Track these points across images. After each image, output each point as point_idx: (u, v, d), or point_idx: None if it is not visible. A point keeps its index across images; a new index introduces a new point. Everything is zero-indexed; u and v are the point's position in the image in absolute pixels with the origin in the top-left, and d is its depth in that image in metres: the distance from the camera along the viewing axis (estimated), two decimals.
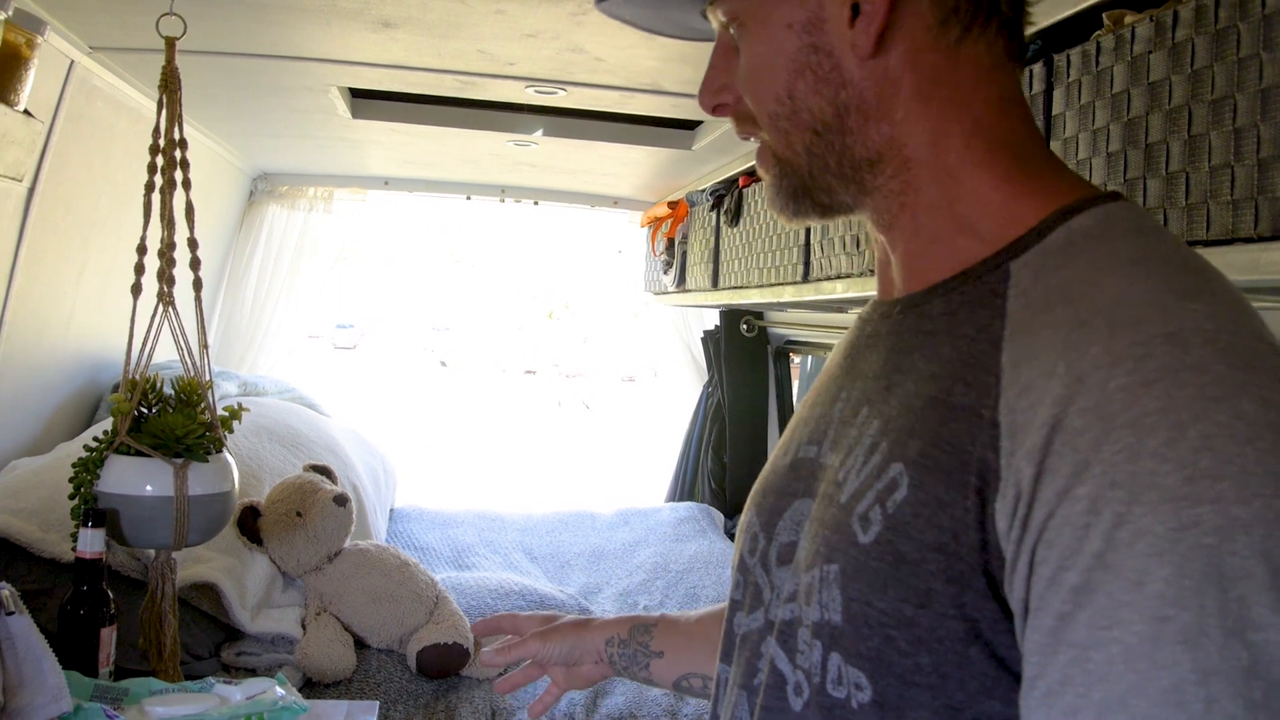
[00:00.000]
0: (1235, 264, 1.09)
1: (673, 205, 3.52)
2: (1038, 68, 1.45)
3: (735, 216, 2.88)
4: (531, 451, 12.87)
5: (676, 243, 3.49)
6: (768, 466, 0.86)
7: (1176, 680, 0.51)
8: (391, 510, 3.57)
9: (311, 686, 2.10)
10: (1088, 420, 0.56)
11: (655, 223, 3.71)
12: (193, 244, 1.81)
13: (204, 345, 1.80)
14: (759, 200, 2.72)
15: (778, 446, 0.87)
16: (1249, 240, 1.09)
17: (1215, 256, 1.13)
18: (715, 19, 0.78)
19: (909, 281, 0.76)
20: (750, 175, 2.89)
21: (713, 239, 3.08)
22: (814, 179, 0.75)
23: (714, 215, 3.06)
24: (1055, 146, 1.40)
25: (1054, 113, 1.42)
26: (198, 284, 1.83)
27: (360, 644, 2.25)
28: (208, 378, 1.79)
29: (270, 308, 3.93)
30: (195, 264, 1.81)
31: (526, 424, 16.23)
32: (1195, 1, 1.16)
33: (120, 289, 2.51)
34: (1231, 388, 0.55)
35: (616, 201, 4.11)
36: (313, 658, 2.08)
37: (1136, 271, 0.62)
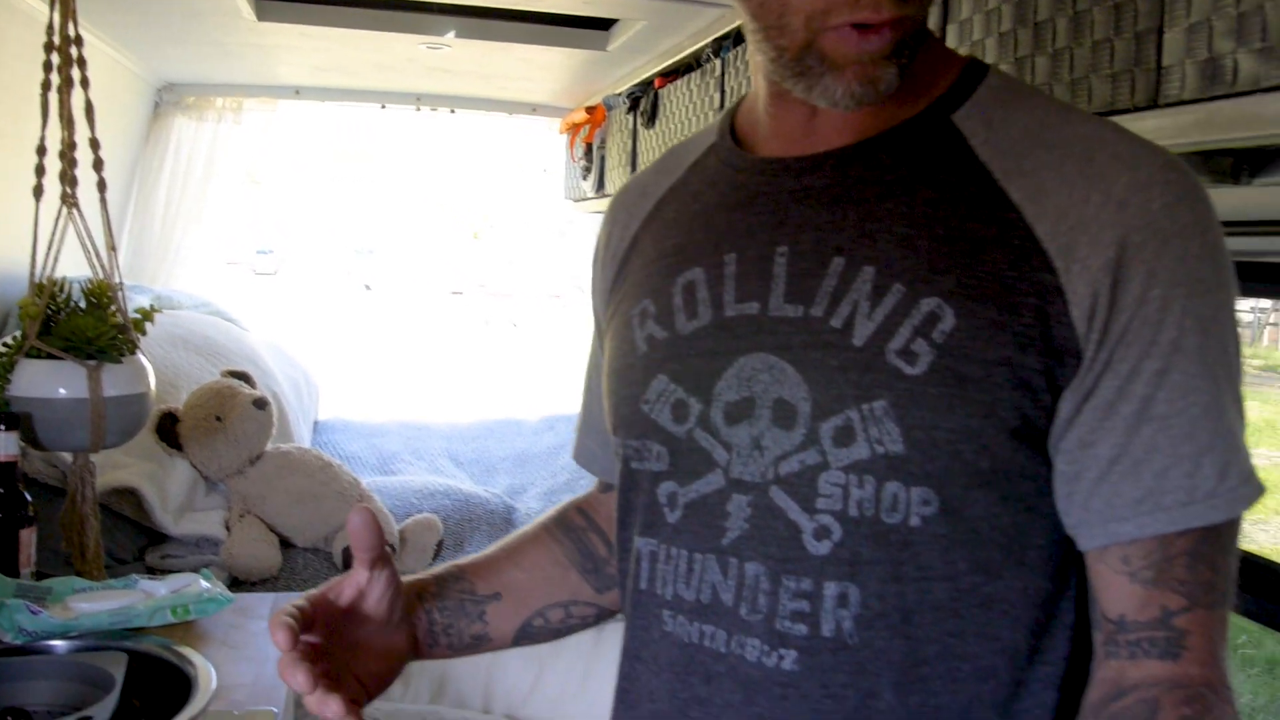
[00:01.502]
0: None
1: (590, 110, 3.51)
2: None
3: (651, 118, 2.88)
4: (459, 368, 12.84)
5: (595, 147, 3.49)
6: (640, 336, 0.85)
7: (1231, 417, 0.72)
8: (316, 423, 3.57)
9: (238, 586, 2.12)
10: (1145, 236, 0.70)
11: (574, 129, 3.70)
12: (94, 144, 1.78)
13: (111, 247, 1.78)
14: (674, 100, 2.72)
15: (630, 317, 0.86)
16: (1126, 110, 1.14)
17: None
18: None
19: (836, 136, 0.79)
20: (665, 76, 2.89)
21: (630, 142, 3.09)
22: (914, 59, 0.76)
23: (631, 118, 3.07)
24: (952, 29, 1.44)
25: None
26: (102, 185, 1.80)
27: (286, 544, 2.28)
28: (117, 279, 1.78)
29: (182, 224, 3.85)
30: (98, 164, 1.78)
31: (454, 343, 16.15)
32: None
33: (20, 196, 2.45)
34: (1209, 201, 0.73)
35: (535, 108, 4.07)
36: (238, 557, 2.11)
37: (1080, 116, 0.77)
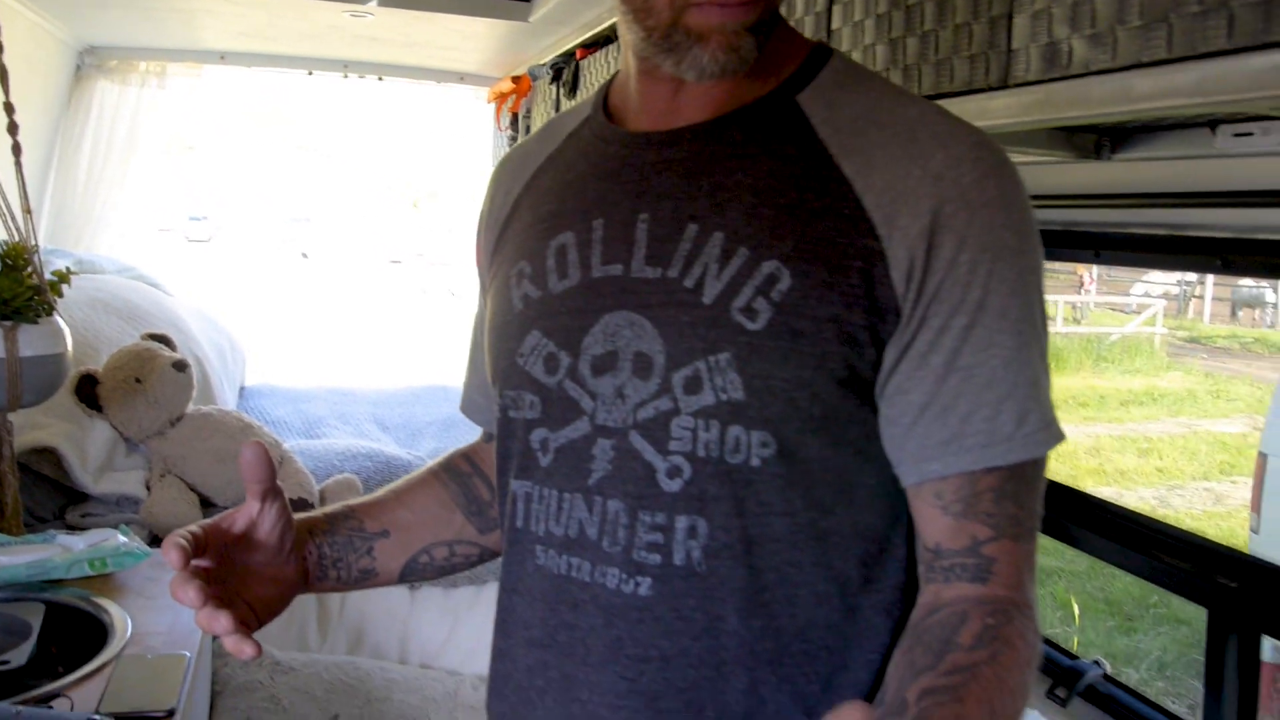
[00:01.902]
0: (968, 112, 1.22)
1: (516, 80, 3.56)
2: None
3: (573, 88, 2.94)
4: (395, 337, 12.79)
5: (520, 117, 3.54)
6: (516, 295, 0.91)
7: (1033, 372, 0.80)
8: (243, 388, 3.59)
9: (158, 544, 2.16)
10: (956, 207, 0.79)
11: (501, 98, 3.74)
12: (8, 108, 1.80)
13: (26, 210, 1.81)
14: (595, 71, 2.78)
15: (508, 277, 0.93)
16: (982, 90, 1.23)
17: (954, 106, 1.26)
18: None
19: (695, 113, 0.88)
20: (586, 48, 2.95)
21: (554, 111, 3.14)
22: (771, 32, 0.85)
23: (554, 88, 3.12)
24: (837, 10, 1.52)
25: None
26: (16, 149, 1.83)
27: (206, 503, 2.33)
28: (33, 242, 1.81)
29: (105, 189, 3.81)
30: (13, 128, 1.81)
31: (391, 312, 16.05)
32: None
33: None
34: (1017, 174, 0.83)
35: (463, 77, 4.09)
36: (158, 515, 2.15)
37: (910, 99, 0.87)
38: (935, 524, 0.82)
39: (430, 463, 1.14)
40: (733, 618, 0.82)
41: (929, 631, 0.80)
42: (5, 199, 1.76)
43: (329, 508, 1.05)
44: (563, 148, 0.99)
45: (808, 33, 1.58)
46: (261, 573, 0.94)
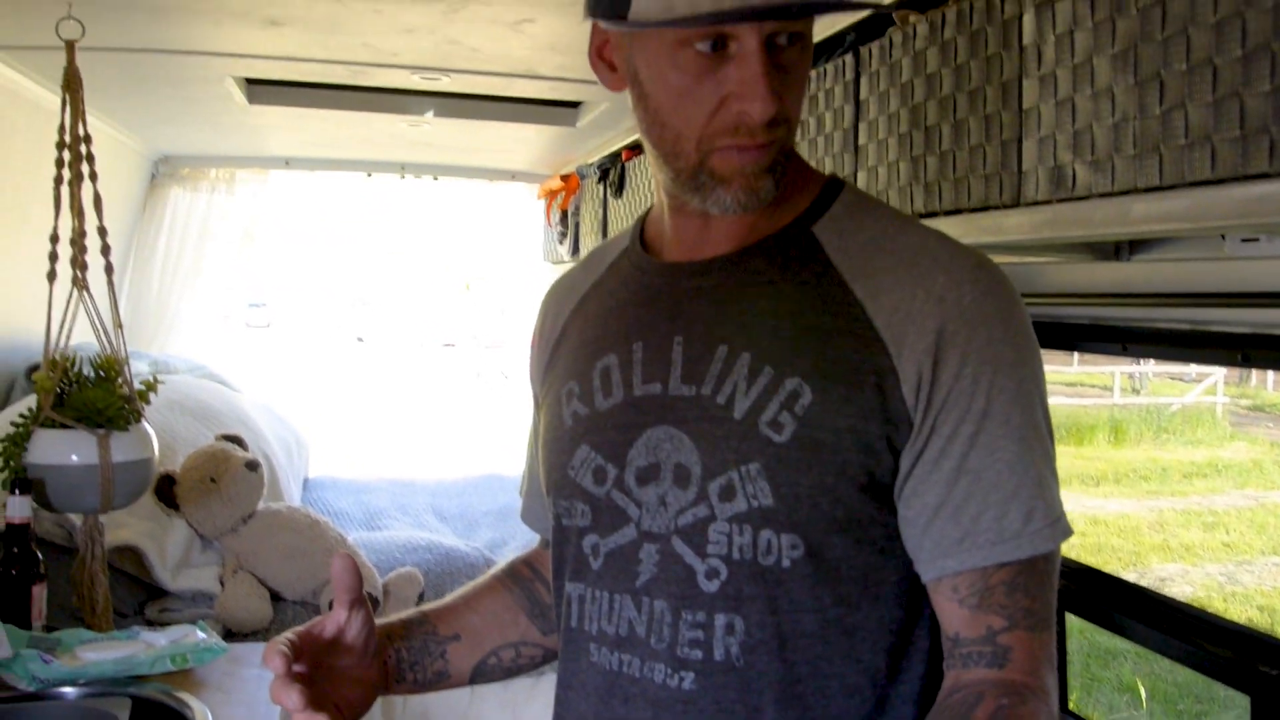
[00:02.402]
0: (984, 227, 1.33)
1: (565, 178, 3.71)
2: (849, 58, 1.67)
3: (619, 188, 3.07)
4: (451, 422, 12.96)
5: (569, 214, 3.68)
6: (566, 412, 1.01)
7: (1037, 472, 0.88)
8: (306, 480, 3.72)
9: (231, 637, 2.27)
10: (958, 325, 0.88)
11: (550, 195, 3.89)
12: (102, 232, 1.96)
13: (118, 324, 1.96)
14: (640, 172, 2.91)
15: (559, 396, 1.03)
16: (997, 207, 1.32)
17: (971, 222, 1.37)
18: (788, 33, 0.87)
19: (722, 244, 0.98)
20: (631, 150, 3.09)
21: (601, 210, 3.28)
22: (787, 170, 0.94)
23: (601, 188, 3.26)
24: (863, 127, 1.63)
25: (861, 97, 1.64)
26: (109, 268, 1.98)
27: (276, 597, 2.43)
28: (123, 354, 1.95)
29: (177, 289, 4.01)
30: (106, 250, 1.96)
31: (446, 396, 16.27)
32: (957, 6, 1.39)
33: (25, 275, 2.62)
34: (1013, 291, 0.92)
35: (514, 175, 4.26)
36: (231, 610, 2.26)
37: (913, 227, 0.96)
38: (953, 615, 0.89)
39: (494, 569, 1.24)
40: (770, 709, 0.90)
41: (948, 710, 0.87)
42: (100, 315, 1.91)
43: (405, 614, 1.13)
44: (605, 276, 1.10)
45: (835, 148, 1.69)
46: (348, 675, 1.02)
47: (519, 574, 1.20)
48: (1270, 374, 15.19)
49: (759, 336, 0.92)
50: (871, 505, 0.90)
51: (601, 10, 0.90)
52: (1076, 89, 1.16)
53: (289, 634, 0.97)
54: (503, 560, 1.26)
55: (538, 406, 1.14)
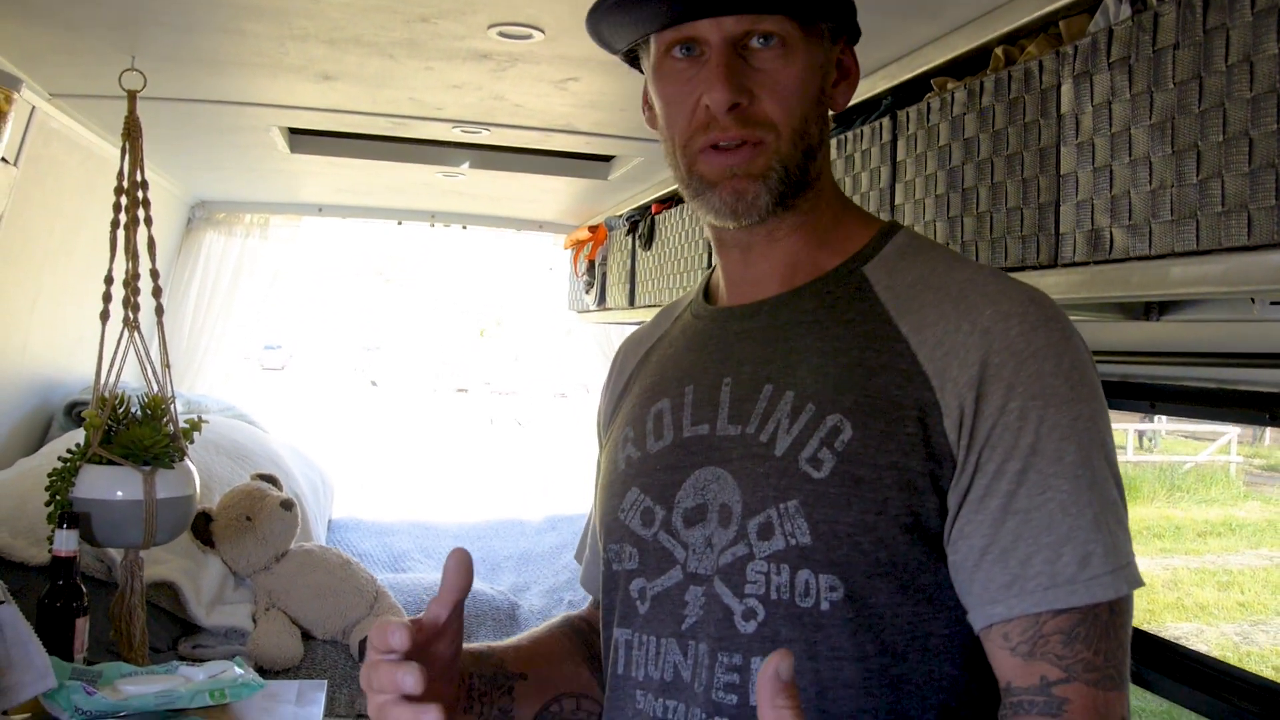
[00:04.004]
0: None
1: (593, 229, 3.77)
2: (885, 121, 1.72)
3: (649, 240, 3.13)
4: (466, 466, 12.99)
5: (596, 264, 3.73)
6: (620, 457, 1.02)
7: (1095, 514, 0.82)
8: (330, 521, 3.75)
9: (263, 674, 2.29)
10: (1004, 358, 0.85)
11: (577, 245, 3.95)
12: (154, 274, 2.02)
13: (166, 364, 2.01)
14: (670, 225, 2.97)
15: (616, 442, 1.04)
16: (1034, 268, 1.37)
17: None
18: (760, 34, 0.90)
19: (771, 286, 0.98)
20: (661, 203, 3.15)
21: (629, 261, 3.33)
22: (793, 186, 0.93)
23: (629, 239, 3.31)
24: (899, 188, 1.68)
25: (898, 159, 1.69)
26: (159, 310, 2.04)
27: (306, 635, 2.46)
28: (170, 393, 2.00)
29: (209, 331, 4.08)
30: (157, 292, 2.02)
31: (460, 441, 16.30)
32: (995, 76, 1.44)
33: (73, 315, 2.70)
34: (1069, 328, 0.87)
35: (541, 225, 4.33)
36: (263, 647, 2.28)
37: (964, 264, 0.94)
38: (1005, 664, 0.83)
39: (550, 621, 1.20)
40: None
41: None
42: (150, 355, 1.96)
43: (470, 646, 1.01)
44: (669, 329, 1.13)
45: (871, 207, 1.74)
46: (430, 687, 0.86)
47: (577, 626, 1.18)
48: None
49: (803, 374, 0.92)
50: (918, 550, 0.85)
51: (612, 50, 1.00)
52: (1114, 156, 1.21)
53: (398, 620, 0.84)
54: (557, 614, 1.24)
55: (600, 456, 1.15)
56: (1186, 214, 1.10)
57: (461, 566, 0.87)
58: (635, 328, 1.25)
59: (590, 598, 1.20)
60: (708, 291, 1.11)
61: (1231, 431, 14.15)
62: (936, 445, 0.85)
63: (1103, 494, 0.83)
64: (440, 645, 0.88)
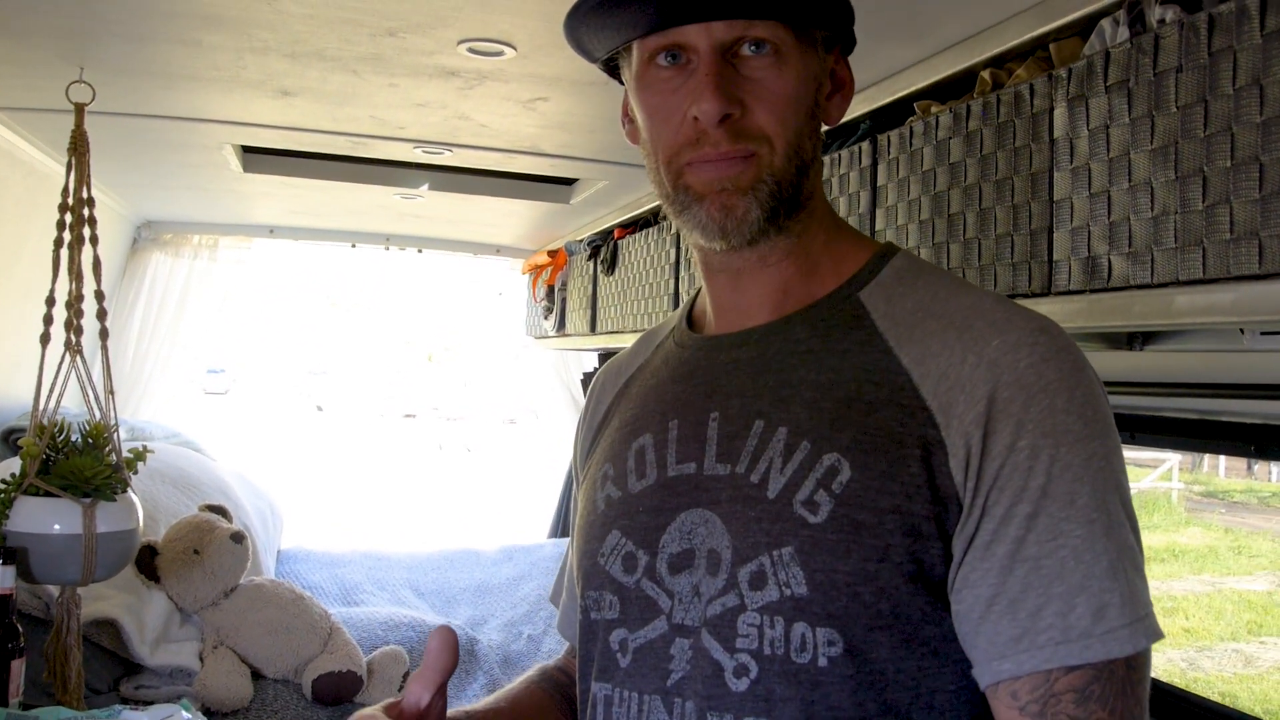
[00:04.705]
0: None
1: (553, 254, 3.71)
2: (865, 144, 1.69)
3: (611, 266, 3.07)
4: (415, 494, 12.81)
5: (556, 289, 3.67)
6: (600, 496, 0.95)
7: (1110, 562, 0.75)
8: (279, 552, 3.63)
9: (211, 716, 2.18)
10: (1013, 392, 0.78)
11: (536, 270, 3.89)
12: (100, 296, 1.92)
13: (110, 391, 1.91)
14: (633, 251, 2.92)
15: (594, 480, 0.97)
16: (1025, 295, 1.33)
17: None
18: (751, 41, 0.85)
19: (762, 314, 0.92)
20: (624, 228, 3.10)
21: (590, 286, 3.28)
22: (786, 204, 0.87)
23: (591, 264, 3.26)
24: (880, 213, 1.64)
25: (879, 184, 1.65)
26: (104, 333, 1.94)
27: (257, 675, 2.35)
28: (113, 421, 1.90)
29: (153, 355, 3.94)
30: (102, 314, 1.92)
31: (408, 467, 16.10)
32: (983, 99, 1.41)
33: (11, 338, 2.57)
34: (1081, 360, 0.81)
35: (499, 249, 4.27)
36: (211, 688, 2.17)
37: (968, 290, 0.87)
38: None
39: (525, 675, 1.14)
40: None
41: None
42: (92, 381, 1.86)
43: (453, 711, 0.98)
44: (650, 358, 1.05)
45: None
46: None
47: (554, 679, 1.11)
48: (1221, 460, 15.44)
49: (796, 409, 0.85)
50: (922, 600, 0.79)
51: (591, 59, 0.94)
52: (1113, 181, 1.18)
53: (375, 709, 0.86)
54: (534, 666, 1.16)
55: (578, 492, 1.09)
56: (1191, 241, 1.07)
57: (446, 646, 0.85)
58: (596, 353, 1.18)
59: (567, 644, 1.13)
60: (691, 318, 1.04)
61: (1173, 458, 14.39)
62: (942, 486, 0.78)
63: (1118, 539, 0.77)
64: None
